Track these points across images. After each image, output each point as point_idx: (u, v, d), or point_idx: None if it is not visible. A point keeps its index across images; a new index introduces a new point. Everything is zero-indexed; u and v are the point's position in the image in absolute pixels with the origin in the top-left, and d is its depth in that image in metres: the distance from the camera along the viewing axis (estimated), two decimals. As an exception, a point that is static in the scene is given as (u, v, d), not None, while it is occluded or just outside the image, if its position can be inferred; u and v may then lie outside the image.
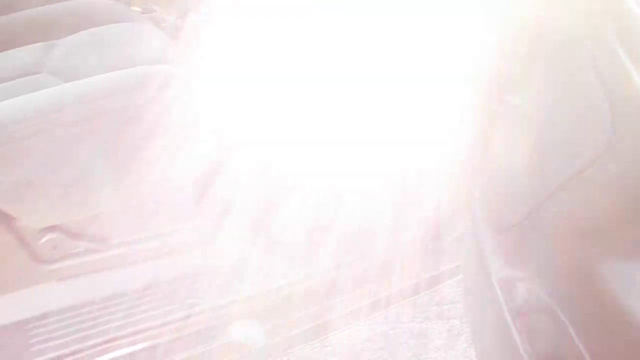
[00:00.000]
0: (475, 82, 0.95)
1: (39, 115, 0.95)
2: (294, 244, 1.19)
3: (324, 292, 1.30)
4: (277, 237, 1.18)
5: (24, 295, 1.03)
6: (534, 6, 0.83)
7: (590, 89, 0.70)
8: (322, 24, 1.10)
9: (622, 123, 0.67)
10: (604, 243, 0.70)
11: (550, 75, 0.82)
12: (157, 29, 1.40)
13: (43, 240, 1.01)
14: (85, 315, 1.06)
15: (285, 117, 1.13)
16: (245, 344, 1.23)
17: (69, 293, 1.06)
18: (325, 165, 1.15)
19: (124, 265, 1.09)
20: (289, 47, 1.13)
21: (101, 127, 0.99)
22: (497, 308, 0.92)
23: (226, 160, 1.10)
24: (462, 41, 0.92)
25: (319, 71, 1.10)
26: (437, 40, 0.95)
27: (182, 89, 1.04)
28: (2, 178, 0.90)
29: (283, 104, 1.12)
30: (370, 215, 1.27)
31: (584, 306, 0.76)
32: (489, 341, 1.00)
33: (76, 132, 0.98)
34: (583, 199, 0.74)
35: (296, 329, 1.30)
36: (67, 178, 0.96)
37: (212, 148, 1.08)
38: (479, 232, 1.00)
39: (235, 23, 1.20)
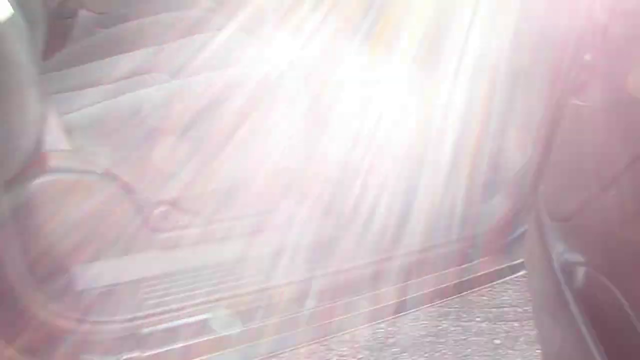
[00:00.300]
0: (544, 85, 1.05)
1: (158, 105, 1.13)
2: (364, 229, 1.31)
3: (385, 279, 1.39)
4: (351, 222, 1.30)
5: (136, 259, 1.20)
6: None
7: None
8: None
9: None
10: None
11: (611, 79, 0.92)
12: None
13: (156, 211, 1.18)
14: (183, 280, 1.22)
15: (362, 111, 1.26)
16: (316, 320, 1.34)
17: (173, 260, 1.23)
18: (396, 156, 1.28)
19: (220, 239, 1.25)
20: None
21: (204, 117, 1.16)
22: (559, 291, 1.00)
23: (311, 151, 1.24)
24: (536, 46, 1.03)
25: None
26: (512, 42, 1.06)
27: (277, 87, 1.20)
28: (130, 155, 1.08)
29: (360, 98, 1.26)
30: (434, 208, 1.37)
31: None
32: (551, 323, 1.08)
33: (182, 122, 1.15)
34: (634, 189, 0.82)
35: (356, 312, 1.38)
36: (180, 158, 1.14)
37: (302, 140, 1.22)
38: (542, 222, 1.10)
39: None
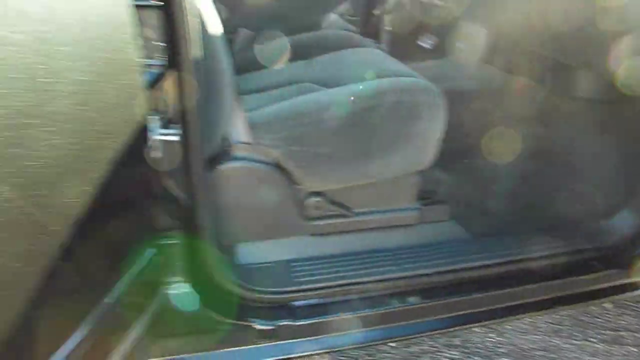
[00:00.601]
0: None
1: (322, 109, 1.31)
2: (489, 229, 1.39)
3: (503, 282, 1.45)
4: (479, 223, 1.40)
5: (290, 242, 1.39)
6: None
7: None
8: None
9: None
10: None
11: None
12: (383, 52, 1.75)
13: (310, 201, 1.36)
14: (329, 263, 1.38)
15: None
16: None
17: (321, 245, 1.40)
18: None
19: (362, 230, 1.41)
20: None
21: (359, 120, 1.32)
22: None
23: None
24: None
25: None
26: None
27: (424, 96, 1.34)
28: (299, 150, 1.26)
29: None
30: (562, 215, 1.43)
31: None
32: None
33: (340, 124, 1.31)
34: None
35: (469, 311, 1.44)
36: (338, 156, 1.31)
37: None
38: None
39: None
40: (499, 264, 1.43)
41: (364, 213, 1.41)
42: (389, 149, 1.32)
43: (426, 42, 2.38)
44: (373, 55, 1.68)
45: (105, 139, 0.83)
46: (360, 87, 1.34)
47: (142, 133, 0.92)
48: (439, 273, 1.38)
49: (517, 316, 1.48)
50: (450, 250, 1.45)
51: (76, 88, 0.75)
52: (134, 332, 1.04)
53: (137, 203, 0.99)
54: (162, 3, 0.92)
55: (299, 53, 1.72)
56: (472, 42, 2.07)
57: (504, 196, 1.55)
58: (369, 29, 2.31)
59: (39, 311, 0.76)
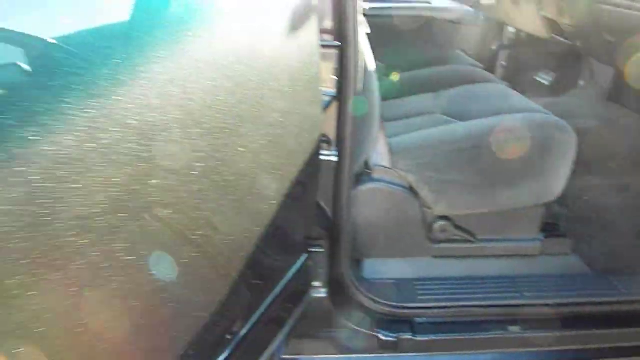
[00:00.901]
0: None
1: (457, 140, 1.41)
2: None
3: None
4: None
5: (413, 261, 1.49)
6: None
7: None
8: None
9: None
10: None
11: None
12: (509, 88, 1.82)
13: (437, 224, 1.46)
14: (450, 285, 1.46)
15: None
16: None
17: (442, 267, 1.48)
18: None
19: (484, 256, 1.48)
20: None
21: (491, 152, 1.39)
22: None
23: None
24: None
25: None
26: None
27: (556, 133, 1.40)
28: (433, 176, 1.37)
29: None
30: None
31: None
32: None
33: (474, 155, 1.40)
34: None
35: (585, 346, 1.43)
36: (469, 184, 1.40)
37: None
38: None
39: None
40: (619, 303, 1.44)
41: (487, 240, 1.49)
42: (518, 180, 1.39)
43: (544, 78, 2.41)
44: (500, 90, 1.76)
45: (291, 157, 0.99)
46: (493, 120, 1.43)
47: (315, 153, 1.07)
48: (557, 305, 1.42)
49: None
50: (571, 284, 1.48)
51: (275, 114, 0.91)
52: (283, 332, 1.18)
53: (301, 211, 1.14)
54: (340, 43, 1.08)
55: (428, 85, 1.84)
56: (595, 79, 2.09)
57: (629, 234, 1.55)
58: (485, 64, 2.38)
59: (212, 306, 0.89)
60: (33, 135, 0.52)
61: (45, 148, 0.53)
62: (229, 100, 0.77)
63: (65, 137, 0.55)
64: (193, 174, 0.73)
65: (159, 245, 0.71)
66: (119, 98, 0.60)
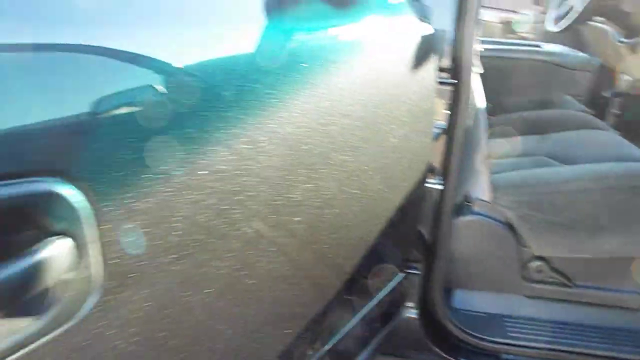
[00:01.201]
0: None
1: (563, 182, 1.42)
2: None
3: None
4: None
5: (505, 297, 1.50)
6: None
7: None
8: None
9: None
10: None
11: None
12: (620, 136, 1.79)
13: (534, 264, 1.47)
14: (541, 327, 1.46)
15: None
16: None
17: (534, 307, 1.49)
18: None
19: (578, 302, 1.47)
20: None
21: (599, 198, 1.39)
22: None
23: None
24: None
25: None
26: None
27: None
28: (534, 215, 1.39)
29: None
30: None
31: None
32: None
33: (580, 199, 1.40)
34: None
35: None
36: (572, 228, 1.40)
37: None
38: None
39: None
40: None
41: (585, 286, 1.47)
42: (625, 229, 1.38)
43: (660, 130, 2.31)
44: (610, 138, 1.74)
45: (401, 181, 1.08)
46: (603, 166, 1.43)
47: (422, 180, 1.16)
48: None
49: None
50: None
51: (393, 140, 1.01)
52: (369, 348, 1.25)
53: (403, 233, 1.23)
54: (455, 81, 1.17)
55: (535, 127, 1.86)
56: None
57: None
58: (596, 111, 2.34)
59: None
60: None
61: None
62: (357, 124, 0.88)
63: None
64: (324, 190, 0.84)
65: (271, 255, 0.78)
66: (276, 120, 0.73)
